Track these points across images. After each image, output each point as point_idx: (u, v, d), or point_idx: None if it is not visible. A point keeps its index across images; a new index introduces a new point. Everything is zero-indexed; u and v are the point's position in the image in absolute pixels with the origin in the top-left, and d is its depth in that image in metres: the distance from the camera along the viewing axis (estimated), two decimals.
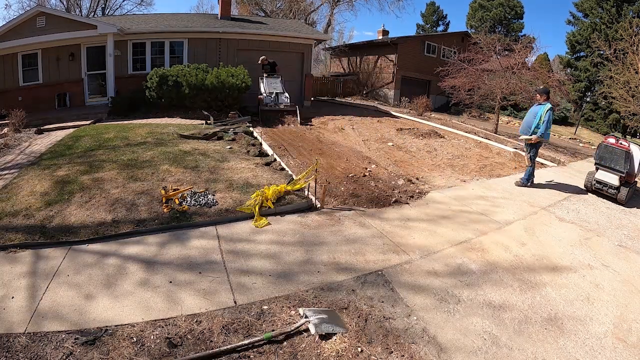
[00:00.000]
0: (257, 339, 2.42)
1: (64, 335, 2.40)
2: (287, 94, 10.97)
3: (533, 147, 6.09)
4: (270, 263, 3.37)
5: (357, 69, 21.96)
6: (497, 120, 13.00)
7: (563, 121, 21.94)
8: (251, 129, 8.72)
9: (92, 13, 26.88)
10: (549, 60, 28.34)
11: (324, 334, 2.51)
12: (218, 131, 7.82)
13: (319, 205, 4.72)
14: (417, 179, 6.27)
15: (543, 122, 5.78)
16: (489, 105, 14.67)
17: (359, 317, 2.74)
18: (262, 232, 3.95)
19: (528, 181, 6.24)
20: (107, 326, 2.50)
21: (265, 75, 11.58)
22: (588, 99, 22.72)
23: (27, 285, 2.89)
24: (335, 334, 2.53)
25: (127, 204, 4.26)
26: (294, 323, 2.58)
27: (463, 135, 10.67)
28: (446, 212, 4.85)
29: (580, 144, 14.92)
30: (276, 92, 10.83)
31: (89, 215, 4.00)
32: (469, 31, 25.96)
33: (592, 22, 24.21)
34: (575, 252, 4.04)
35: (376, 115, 13.17)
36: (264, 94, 10.80)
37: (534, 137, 5.89)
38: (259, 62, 11.62)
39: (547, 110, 5.77)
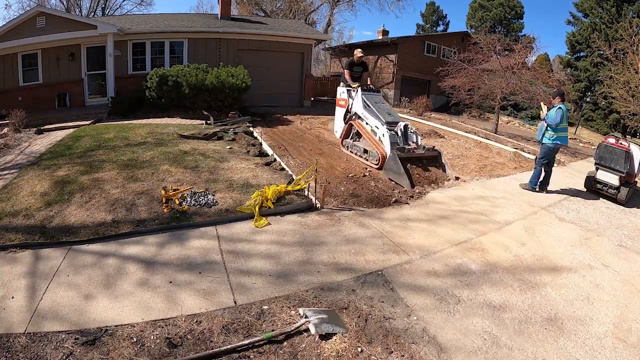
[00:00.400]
0: (257, 339, 2.42)
1: (64, 336, 2.40)
2: (413, 127, 6.79)
3: (543, 151, 5.81)
4: (270, 263, 3.37)
5: None
6: (497, 120, 13.01)
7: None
8: (251, 129, 8.73)
9: (92, 13, 26.88)
10: (549, 60, 28.36)
11: (324, 334, 2.50)
12: (218, 131, 7.82)
13: (319, 205, 4.72)
14: None
15: (548, 117, 5.64)
16: (489, 105, 14.68)
17: (359, 317, 2.73)
18: (262, 232, 3.95)
19: (535, 185, 5.98)
20: (107, 326, 2.50)
21: (355, 85, 7.39)
22: (588, 99, 22.74)
23: (27, 285, 2.89)
24: (335, 334, 2.53)
25: (127, 204, 4.26)
26: (294, 323, 2.58)
27: (463, 135, 10.67)
28: (446, 212, 4.85)
29: (580, 144, 14.92)
30: (401, 124, 6.47)
31: (88, 215, 4.00)
32: (469, 31, 25.96)
33: (592, 22, 24.22)
34: (575, 252, 4.04)
35: None
36: (378, 124, 6.54)
37: (543, 109, 5.83)
38: (355, 59, 7.76)
39: (556, 109, 5.60)
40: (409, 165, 5.92)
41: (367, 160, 6.63)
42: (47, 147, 6.77)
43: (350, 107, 7.46)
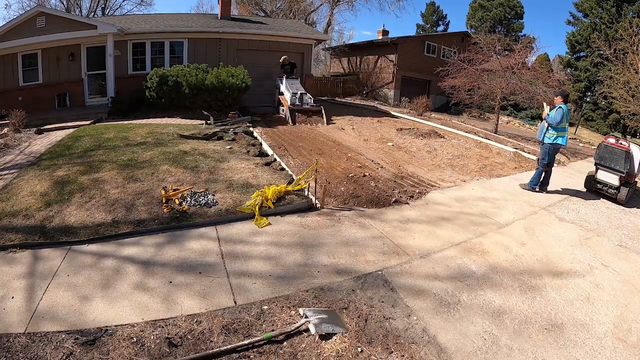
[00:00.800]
0: (257, 339, 2.42)
1: (63, 336, 2.40)
2: (309, 95, 11.24)
3: (543, 151, 5.81)
4: (270, 263, 3.37)
5: (357, 69, 21.98)
6: (497, 120, 13.00)
7: None
8: (251, 129, 8.72)
9: (92, 13, 26.88)
10: (549, 60, 28.37)
11: (324, 334, 2.50)
12: (218, 131, 7.82)
13: (319, 206, 4.72)
14: (417, 178, 6.27)
15: (549, 116, 5.61)
16: (489, 105, 14.68)
17: (359, 317, 2.73)
18: (262, 232, 3.95)
19: (535, 185, 5.97)
20: (107, 326, 2.50)
21: (285, 76, 11.92)
22: (588, 99, 22.74)
23: (27, 285, 2.89)
24: (335, 334, 2.53)
25: (127, 204, 4.25)
26: (294, 323, 2.58)
27: (463, 135, 10.66)
28: (446, 213, 4.85)
29: (580, 144, 14.92)
30: (300, 93, 11.05)
31: (88, 215, 4.00)
32: (469, 31, 25.97)
33: (592, 22, 24.24)
34: (575, 252, 4.04)
35: (376, 115, 13.18)
36: (288, 94, 11.06)
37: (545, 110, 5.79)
38: (280, 61, 12.11)
39: (557, 109, 5.57)
40: (297, 114, 10.69)
41: (282, 113, 11.47)
42: (47, 147, 6.77)
43: (279, 88, 12.34)
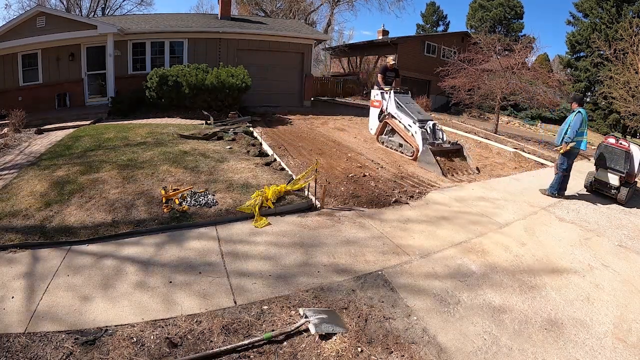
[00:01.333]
0: (257, 339, 2.42)
1: (63, 336, 2.40)
2: (438, 125, 7.75)
3: (564, 156, 5.66)
4: (270, 263, 3.37)
5: (357, 69, 21.99)
6: (497, 121, 13.01)
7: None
8: (251, 129, 8.72)
9: (92, 13, 26.88)
10: (549, 61, 28.37)
11: (324, 334, 2.50)
12: (218, 131, 7.82)
13: (319, 206, 4.72)
14: (417, 178, 6.27)
15: (570, 127, 5.49)
16: (489, 105, 14.69)
17: (359, 317, 2.73)
18: (262, 232, 3.95)
19: (555, 190, 5.78)
20: (107, 326, 2.50)
21: (388, 88, 8.42)
22: (588, 99, 22.74)
23: (27, 285, 2.89)
24: (335, 334, 2.53)
25: (127, 204, 4.25)
26: (294, 323, 2.58)
27: (463, 135, 10.66)
28: (446, 213, 4.85)
29: None
30: (431, 123, 7.46)
31: (88, 215, 4.00)
32: (469, 31, 25.97)
33: (592, 22, 24.24)
34: (575, 252, 4.04)
35: None
36: (409, 120, 7.53)
37: (563, 146, 5.55)
38: (384, 63, 9.06)
39: (575, 114, 5.48)
40: (437, 157, 6.86)
41: (402, 152, 7.73)
42: (47, 147, 6.77)
43: (384, 107, 8.48)
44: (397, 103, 7.95)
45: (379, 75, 8.94)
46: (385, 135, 8.42)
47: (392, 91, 8.22)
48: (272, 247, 3.66)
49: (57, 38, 11.01)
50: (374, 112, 8.99)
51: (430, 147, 6.93)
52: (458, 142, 7.66)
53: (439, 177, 6.42)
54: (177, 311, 2.68)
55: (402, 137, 7.69)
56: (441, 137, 7.42)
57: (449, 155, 7.16)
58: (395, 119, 7.96)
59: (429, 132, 7.25)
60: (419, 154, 7.07)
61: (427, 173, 6.63)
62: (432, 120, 7.65)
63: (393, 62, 9.20)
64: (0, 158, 6.32)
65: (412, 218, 4.60)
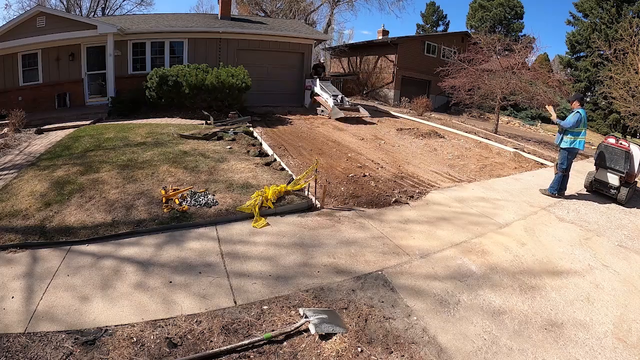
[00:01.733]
0: (257, 339, 2.42)
1: (63, 336, 2.40)
2: (346, 98, 12.79)
3: (561, 155, 5.72)
4: (270, 263, 3.37)
5: (357, 69, 21.96)
6: (497, 120, 13.01)
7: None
8: (251, 129, 8.72)
9: (92, 13, 26.87)
10: (549, 61, 28.38)
11: (324, 334, 2.50)
12: (218, 131, 7.82)
13: (319, 206, 4.72)
14: (417, 179, 6.27)
15: (567, 121, 5.51)
16: (489, 105, 14.67)
17: (359, 317, 2.73)
18: (262, 233, 3.95)
19: (555, 190, 5.79)
20: (107, 326, 2.50)
21: (317, 78, 13.30)
22: (588, 99, 22.74)
23: (27, 285, 2.89)
24: (335, 334, 2.52)
25: (127, 205, 4.25)
26: (294, 323, 2.58)
27: (463, 135, 10.67)
28: (446, 213, 4.84)
29: None
30: (340, 96, 12.53)
31: (88, 215, 4.00)
32: (469, 31, 25.92)
33: (592, 22, 24.24)
34: (575, 252, 4.03)
35: (376, 115, 13.17)
36: (326, 95, 12.48)
37: (549, 108, 6.03)
38: (315, 62, 13.98)
39: (574, 114, 5.49)
40: (343, 112, 11.63)
41: (323, 114, 12.41)
42: (47, 147, 6.77)
43: (313, 89, 13.51)
44: (321, 86, 12.86)
45: (311, 69, 14.11)
46: (314, 105, 13.35)
47: (318, 79, 13.21)
48: (272, 247, 3.66)
49: (57, 38, 11.00)
50: (307, 94, 13.96)
51: (337, 106, 11.75)
52: (357, 105, 12.83)
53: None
54: (177, 311, 2.68)
55: (323, 105, 12.54)
56: (346, 103, 12.30)
57: (350, 111, 11.89)
58: (320, 95, 12.78)
59: (338, 101, 12.07)
60: (332, 111, 11.68)
61: (426, 173, 6.65)
62: (340, 94, 12.68)
63: (323, 61, 14.35)
64: (0, 158, 6.32)
65: (412, 218, 4.60)
